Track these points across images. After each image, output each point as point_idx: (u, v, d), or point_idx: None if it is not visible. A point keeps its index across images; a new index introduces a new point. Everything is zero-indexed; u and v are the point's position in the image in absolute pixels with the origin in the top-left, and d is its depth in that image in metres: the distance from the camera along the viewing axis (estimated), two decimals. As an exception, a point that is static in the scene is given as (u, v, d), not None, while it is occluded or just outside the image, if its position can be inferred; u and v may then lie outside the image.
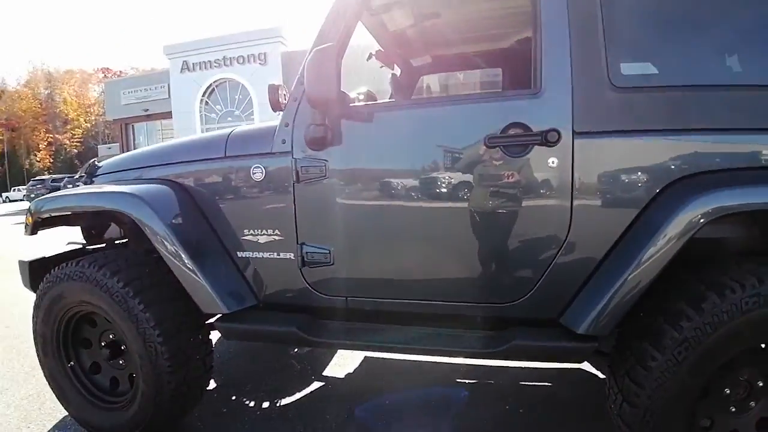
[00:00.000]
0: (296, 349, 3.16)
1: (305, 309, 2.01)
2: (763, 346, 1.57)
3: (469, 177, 1.78)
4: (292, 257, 1.96)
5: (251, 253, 2.06)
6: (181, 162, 2.22)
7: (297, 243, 1.95)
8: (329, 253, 1.91)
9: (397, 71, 3.12)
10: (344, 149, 1.89)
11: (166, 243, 1.96)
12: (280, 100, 2.08)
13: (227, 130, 2.23)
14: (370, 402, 2.44)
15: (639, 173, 1.65)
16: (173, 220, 2.01)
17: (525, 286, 1.75)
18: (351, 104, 1.95)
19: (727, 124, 1.61)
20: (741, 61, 1.71)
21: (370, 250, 1.91)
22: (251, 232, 2.04)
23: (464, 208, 1.78)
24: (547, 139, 1.67)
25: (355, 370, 2.83)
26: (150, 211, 1.98)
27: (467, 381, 2.64)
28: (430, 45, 2.96)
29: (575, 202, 1.68)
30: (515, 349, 1.69)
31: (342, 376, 2.78)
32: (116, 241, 2.64)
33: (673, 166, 1.62)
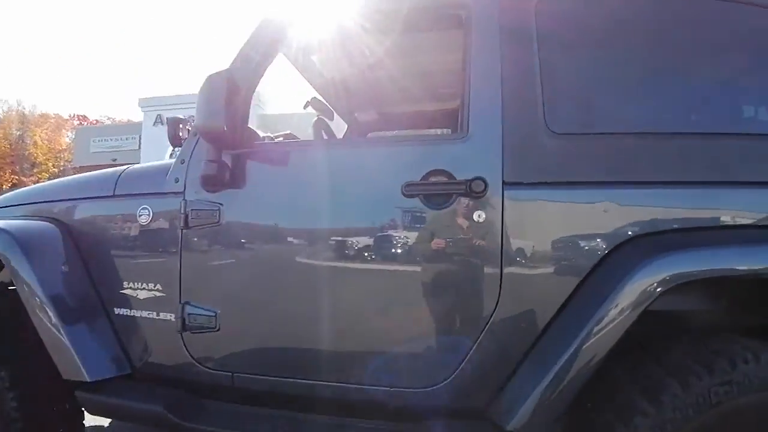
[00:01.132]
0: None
1: (187, 384, 1.64)
2: None
3: (382, 233, 1.51)
4: (173, 319, 1.62)
5: (129, 310, 1.71)
6: (69, 199, 1.90)
7: (179, 302, 1.61)
8: (215, 316, 1.58)
9: (340, 123, 2.90)
10: (242, 193, 1.61)
11: (29, 288, 1.62)
12: (180, 134, 1.81)
13: (126, 166, 1.94)
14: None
15: (581, 233, 1.40)
16: (43, 263, 1.67)
17: (444, 369, 1.43)
18: (256, 141, 1.69)
19: (685, 176, 1.38)
20: (703, 108, 1.51)
21: (263, 317, 1.59)
22: (131, 285, 1.70)
23: (375, 271, 1.49)
24: (472, 188, 1.42)
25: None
26: (17, 247, 1.64)
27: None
28: (373, 99, 2.74)
29: (505, 267, 1.41)
30: None
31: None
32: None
33: (622, 225, 1.37)
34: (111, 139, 27.10)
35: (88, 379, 1.59)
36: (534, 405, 1.29)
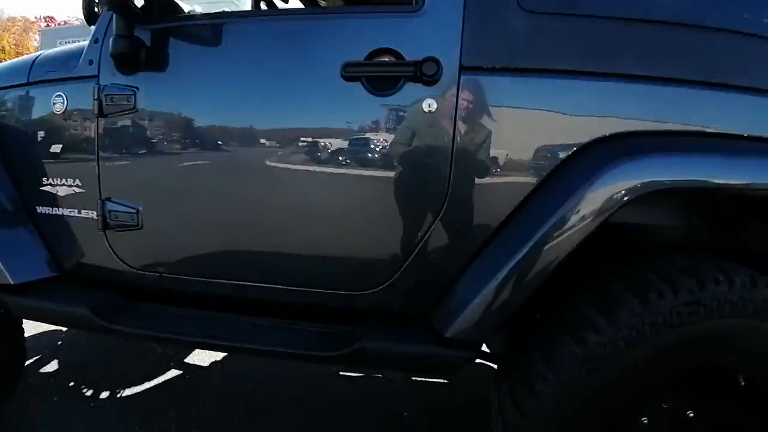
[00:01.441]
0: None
1: (117, 286, 1.54)
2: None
3: (318, 121, 1.31)
4: (95, 216, 1.47)
5: (51, 209, 1.56)
6: None
7: (99, 198, 1.46)
8: (136, 213, 1.43)
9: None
10: (160, 75, 1.39)
11: None
12: (97, 10, 1.55)
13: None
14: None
15: (547, 129, 1.21)
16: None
17: (384, 271, 1.30)
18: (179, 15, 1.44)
19: (674, 73, 1.17)
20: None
21: (187, 214, 1.44)
22: (51, 181, 1.54)
23: (309, 163, 1.31)
24: (423, 71, 1.20)
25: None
26: None
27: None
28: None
29: (456, 163, 1.22)
30: (360, 354, 1.25)
31: (207, 364, 2.33)
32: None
33: (594, 123, 1.18)
34: (78, 40, 25.89)
35: (12, 282, 1.48)
36: (475, 313, 1.18)
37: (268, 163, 1.34)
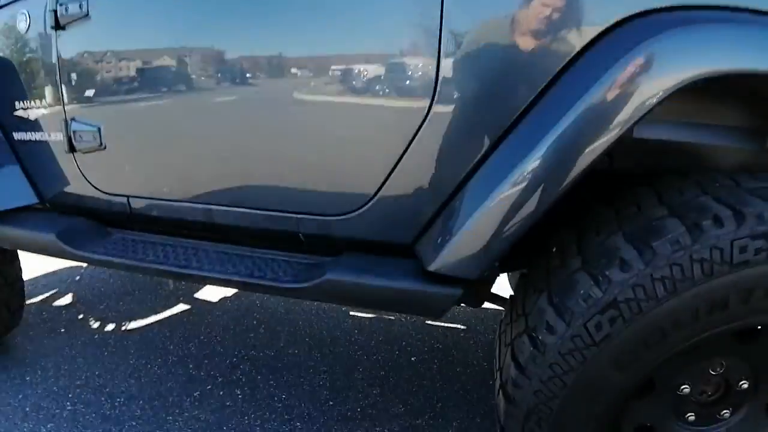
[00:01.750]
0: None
1: (91, 212, 1.48)
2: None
3: (286, 37, 1.13)
4: (61, 138, 1.40)
5: (25, 133, 1.51)
6: None
7: (64, 118, 1.38)
8: (98, 132, 1.34)
9: None
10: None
11: None
12: None
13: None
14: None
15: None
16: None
17: (361, 193, 1.12)
18: None
19: None
20: None
21: (150, 132, 1.34)
22: (22, 104, 1.48)
23: (277, 71, 1.16)
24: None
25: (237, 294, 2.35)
26: None
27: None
28: None
29: (445, 49, 0.96)
30: (328, 287, 1.11)
31: (215, 300, 2.31)
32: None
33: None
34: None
35: None
36: (466, 241, 0.97)
37: (226, 74, 1.20)
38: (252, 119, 1.22)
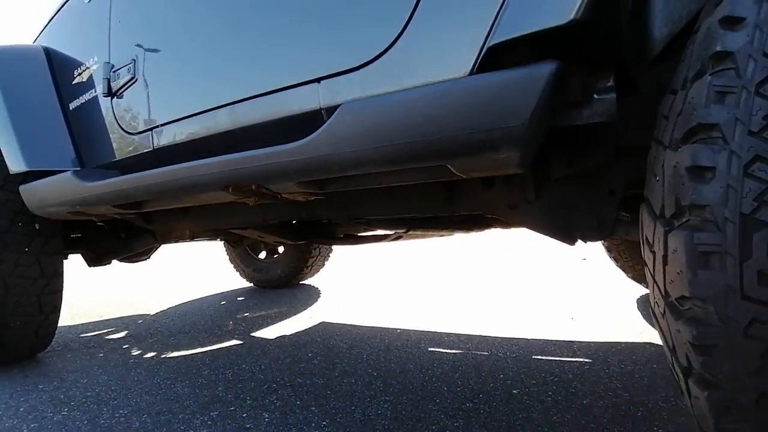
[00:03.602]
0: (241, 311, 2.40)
1: (124, 167, 1.30)
2: None
3: None
4: (103, 86, 1.29)
5: (77, 99, 1.44)
6: None
7: (108, 61, 1.28)
8: (133, 64, 1.20)
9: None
10: None
11: None
12: None
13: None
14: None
15: None
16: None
17: (382, 33, 0.78)
18: None
19: None
20: None
21: (174, 43, 1.16)
22: (78, 70, 1.43)
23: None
24: None
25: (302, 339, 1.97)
26: None
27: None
28: None
29: None
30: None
31: (272, 336, 1.94)
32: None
33: None
34: None
35: (26, 168, 1.35)
36: None
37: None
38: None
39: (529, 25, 0.61)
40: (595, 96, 0.67)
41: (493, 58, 0.65)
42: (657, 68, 0.70)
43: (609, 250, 2.21)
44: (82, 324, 2.37)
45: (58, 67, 1.52)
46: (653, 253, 0.59)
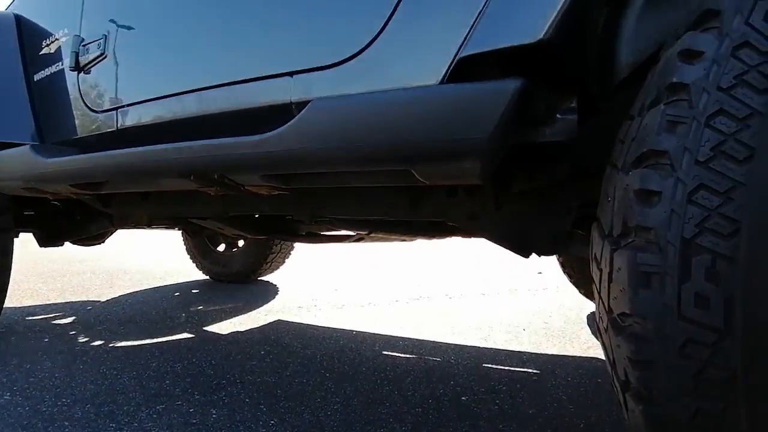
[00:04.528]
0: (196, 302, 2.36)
1: (85, 145, 1.26)
2: None
3: None
4: (71, 59, 1.25)
5: (42, 71, 1.39)
6: None
7: (78, 34, 1.24)
8: (104, 39, 1.17)
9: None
10: None
11: None
12: None
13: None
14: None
15: None
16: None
17: (361, 33, 0.78)
18: None
19: None
20: None
21: (146, 22, 1.14)
22: (47, 41, 1.38)
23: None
24: None
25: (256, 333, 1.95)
26: None
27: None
28: None
29: None
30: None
31: (225, 332, 1.91)
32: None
33: None
34: None
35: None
36: None
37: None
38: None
39: (499, 41, 0.63)
40: (558, 116, 0.70)
41: (463, 70, 0.67)
42: (620, 95, 0.73)
43: (563, 265, 2.28)
44: (29, 306, 2.28)
45: (28, 35, 1.46)
46: (600, 270, 0.62)
